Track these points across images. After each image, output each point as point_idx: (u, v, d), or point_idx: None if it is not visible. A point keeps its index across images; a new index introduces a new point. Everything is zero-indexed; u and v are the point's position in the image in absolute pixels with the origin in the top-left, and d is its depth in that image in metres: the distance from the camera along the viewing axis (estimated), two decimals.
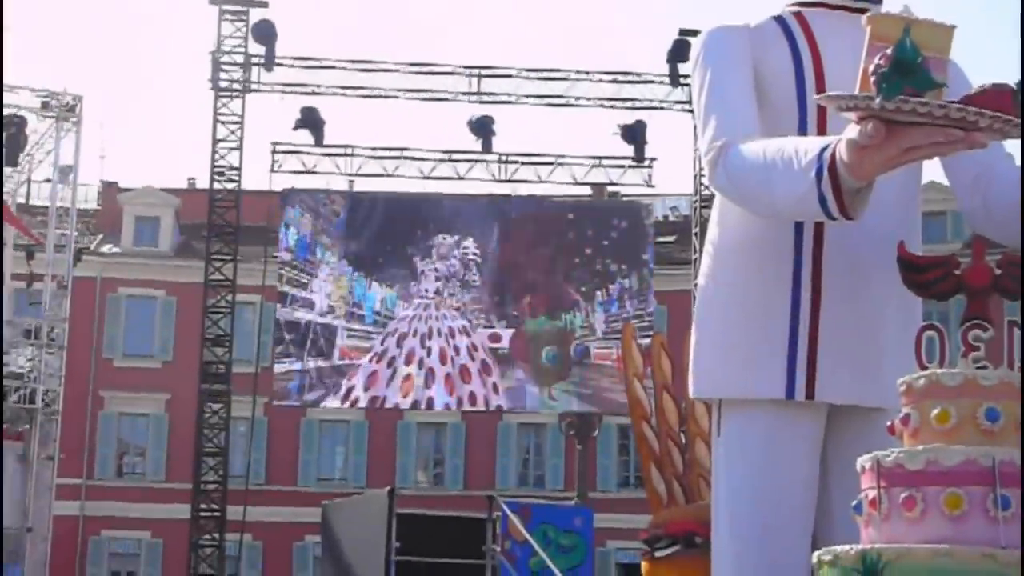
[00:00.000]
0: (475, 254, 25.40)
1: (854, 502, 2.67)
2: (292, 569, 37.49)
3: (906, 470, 2.54)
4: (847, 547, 2.57)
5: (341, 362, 24.39)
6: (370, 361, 24.50)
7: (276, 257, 25.10)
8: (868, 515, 2.61)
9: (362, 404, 25.23)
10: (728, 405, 3.34)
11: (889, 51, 2.61)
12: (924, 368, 2.67)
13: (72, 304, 22.15)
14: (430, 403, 24.98)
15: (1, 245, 19.93)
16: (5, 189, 22.82)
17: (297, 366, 24.21)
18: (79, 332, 27.27)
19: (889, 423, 2.74)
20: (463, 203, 25.96)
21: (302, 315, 24.46)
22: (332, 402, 24.73)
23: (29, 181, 25.19)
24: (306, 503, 32.42)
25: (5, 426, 21.50)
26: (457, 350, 24.96)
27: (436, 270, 25.25)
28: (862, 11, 3.11)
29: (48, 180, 23.99)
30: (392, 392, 24.57)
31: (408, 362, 24.63)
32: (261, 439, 35.20)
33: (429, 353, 24.80)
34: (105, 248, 39.35)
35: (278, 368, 24.35)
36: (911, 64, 2.59)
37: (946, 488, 2.49)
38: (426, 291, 25.08)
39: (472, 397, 24.87)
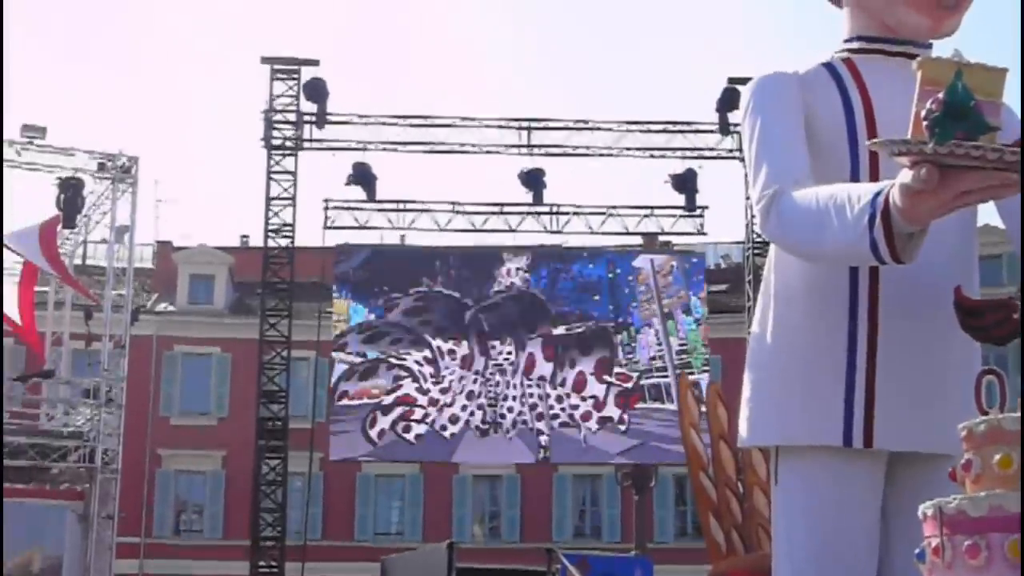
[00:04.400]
0: (535, 304, 25.56)
1: (916, 550, 2.64)
2: None
3: (969, 517, 2.50)
4: None
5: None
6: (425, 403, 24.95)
7: (330, 312, 25.25)
8: (931, 563, 2.58)
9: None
10: (786, 452, 3.31)
11: (941, 95, 2.60)
12: (984, 413, 2.64)
13: (129, 363, 22.32)
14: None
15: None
16: (63, 251, 23.10)
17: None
18: (136, 391, 27.46)
19: (950, 469, 2.71)
20: (519, 254, 26.10)
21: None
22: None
23: (86, 242, 25.50)
24: (363, 558, 32.37)
25: (66, 485, 21.68)
26: (523, 399, 25.11)
27: (493, 321, 25.40)
28: (912, 56, 3.11)
29: (104, 241, 24.26)
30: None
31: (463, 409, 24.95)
32: (317, 495, 35.24)
33: (493, 404, 25.01)
34: (161, 307, 39.67)
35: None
36: (963, 108, 2.58)
37: (1010, 535, 2.45)
38: (488, 345, 25.31)
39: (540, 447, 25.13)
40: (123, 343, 21.86)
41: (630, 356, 25.45)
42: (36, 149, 22.18)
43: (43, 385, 23.62)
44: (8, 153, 21.98)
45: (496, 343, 25.21)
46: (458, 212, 25.47)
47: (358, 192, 24.68)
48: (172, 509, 38.86)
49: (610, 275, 25.79)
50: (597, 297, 25.69)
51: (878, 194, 2.82)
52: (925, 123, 2.61)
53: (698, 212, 25.26)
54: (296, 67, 24.54)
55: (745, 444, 3.42)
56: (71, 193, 22.03)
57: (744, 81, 4.10)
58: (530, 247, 26.42)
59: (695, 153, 24.96)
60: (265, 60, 24.65)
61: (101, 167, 22.36)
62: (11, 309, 22.20)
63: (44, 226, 21.58)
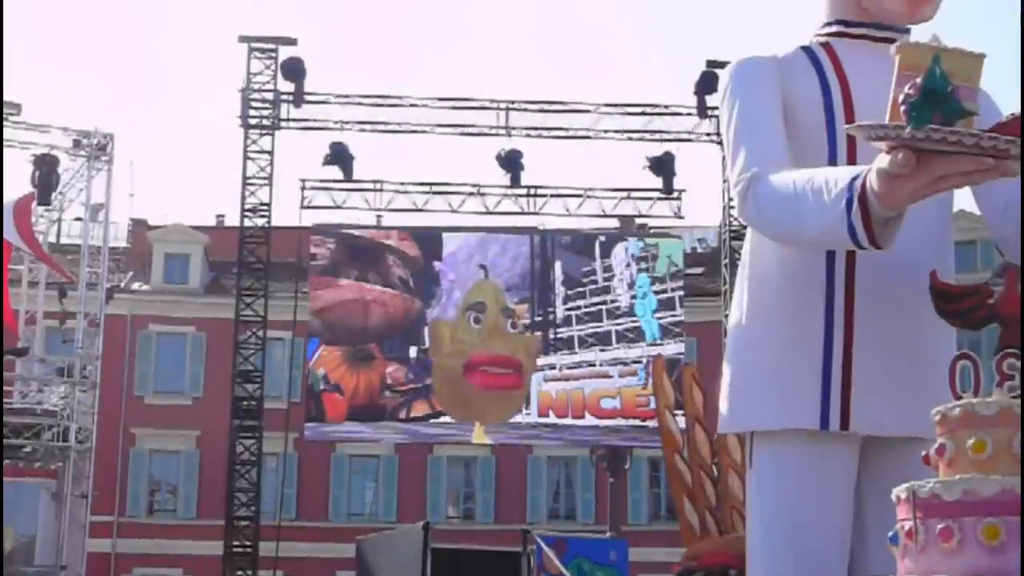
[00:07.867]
0: (516, 285, 25.71)
1: (890, 533, 2.65)
2: None
3: (942, 501, 2.51)
4: None
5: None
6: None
7: (306, 292, 25.23)
8: (904, 546, 2.59)
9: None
10: (761, 437, 3.32)
11: (919, 80, 2.60)
12: (958, 397, 2.65)
13: (103, 342, 22.23)
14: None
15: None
16: (38, 228, 22.97)
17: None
18: (110, 369, 27.35)
19: (924, 453, 2.72)
20: (497, 237, 26.21)
21: None
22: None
23: (60, 220, 25.38)
24: (338, 539, 32.38)
25: (39, 464, 21.61)
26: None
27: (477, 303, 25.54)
28: (891, 41, 3.11)
29: (79, 219, 24.15)
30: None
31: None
32: (292, 475, 35.18)
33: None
34: (135, 286, 39.49)
35: None
36: (941, 93, 2.58)
37: (983, 518, 2.46)
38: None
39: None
40: (97, 322, 21.78)
41: None
42: (11, 125, 22.04)
43: (16, 363, 23.52)
44: None
45: None
46: (435, 193, 25.43)
47: (335, 172, 24.60)
48: (146, 488, 38.76)
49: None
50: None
51: (855, 178, 2.83)
52: (903, 108, 2.62)
53: (675, 195, 25.26)
54: (273, 46, 24.39)
55: (726, 431, 3.43)
56: (46, 170, 21.90)
57: (722, 65, 4.10)
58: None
59: (673, 136, 24.92)
60: (242, 39, 24.50)
61: (76, 144, 22.25)
62: None
63: (18, 203, 21.46)
